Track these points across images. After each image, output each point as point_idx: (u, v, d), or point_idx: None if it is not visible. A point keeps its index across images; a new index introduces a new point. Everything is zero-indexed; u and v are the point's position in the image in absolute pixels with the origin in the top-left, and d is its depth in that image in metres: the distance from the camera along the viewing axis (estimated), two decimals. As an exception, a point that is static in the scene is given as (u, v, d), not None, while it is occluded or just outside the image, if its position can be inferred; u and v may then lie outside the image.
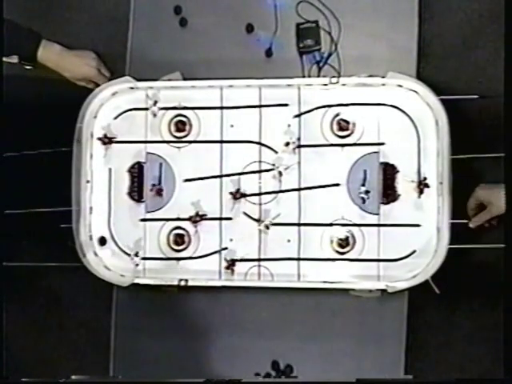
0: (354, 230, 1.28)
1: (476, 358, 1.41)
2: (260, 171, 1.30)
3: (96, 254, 1.32)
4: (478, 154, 1.25)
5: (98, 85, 1.37)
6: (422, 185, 1.25)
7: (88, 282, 1.34)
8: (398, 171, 1.26)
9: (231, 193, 1.30)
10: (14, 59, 1.31)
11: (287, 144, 1.29)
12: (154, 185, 1.33)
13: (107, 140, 1.33)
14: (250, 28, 1.39)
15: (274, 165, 1.30)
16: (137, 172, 1.33)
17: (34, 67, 1.35)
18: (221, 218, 1.31)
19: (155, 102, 1.32)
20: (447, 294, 1.24)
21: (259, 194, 1.30)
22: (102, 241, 1.32)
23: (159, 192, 1.32)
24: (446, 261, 1.21)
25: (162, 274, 1.31)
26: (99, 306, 1.46)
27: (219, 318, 1.38)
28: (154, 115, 1.33)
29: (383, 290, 1.24)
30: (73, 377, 1.23)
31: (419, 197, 1.25)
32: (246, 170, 1.31)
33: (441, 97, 1.24)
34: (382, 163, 1.27)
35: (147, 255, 1.33)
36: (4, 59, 1.30)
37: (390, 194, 1.26)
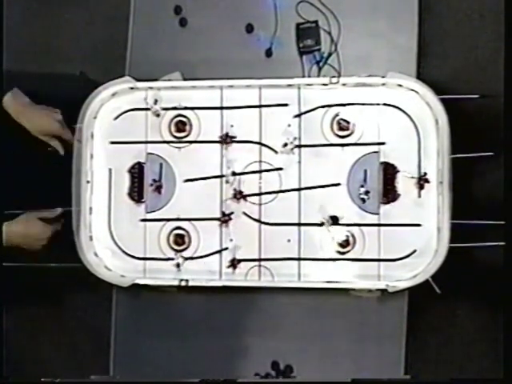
0: (354, 229, 1.27)
1: (476, 358, 1.42)
2: (260, 171, 1.30)
3: (96, 255, 1.32)
4: (477, 153, 1.25)
5: (61, 140, 1.32)
6: (422, 180, 1.25)
7: (88, 282, 1.34)
8: (398, 171, 1.26)
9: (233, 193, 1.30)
10: None
11: (287, 144, 1.29)
12: (154, 180, 1.33)
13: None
14: (249, 28, 1.39)
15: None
16: (137, 172, 1.33)
17: None
18: (221, 219, 1.31)
19: (155, 102, 1.32)
20: (447, 294, 1.23)
21: (259, 194, 1.30)
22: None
23: (159, 189, 1.32)
24: (446, 260, 1.21)
25: (163, 274, 1.31)
26: (99, 306, 1.46)
27: (219, 318, 1.38)
28: (158, 115, 1.32)
29: (383, 290, 1.24)
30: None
31: (419, 196, 1.25)
32: (246, 170, 1.31)
33: (441, 96, 1.25)
34: (382, 163, 1.27)
35: (147, 255, 1.33)
36: None
37: (390, 194, 1.26)
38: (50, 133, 1.31)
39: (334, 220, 1.27)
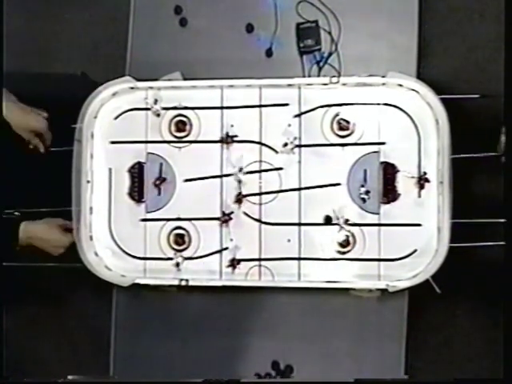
0: (355, 229, 1.27)
1: (476, 358, 1.41)
2: (260, 171, 1.30)
3: (96, 254, 1.32)
4: (478, 153, 1.26)
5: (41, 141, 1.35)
6: (422, 180, 1.25)
7: (88, 282, 1.34)
8: (398, 171, 1.26)
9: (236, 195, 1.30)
10: None
11: (287, 144, 1.29)
12: (158, 178, 1.33)
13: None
14: (249, 28, 1.39)
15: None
16: (137, 172, 1.33)
17: None
18: (221, 218, 1.31)
19: (155, 102, 1.32)
20: (447, 294, 1.23)
21: (259, 194, 1.30)
22: None
23: (162, 184, 1.32)
24: (446, 260, 1.21)
25: (163, 274, 1.31)
26: (99, 306, 1.46)
27: (219, 318, 1.37)
28: (158, 115, 1.33)
29: (383, 290, 1.24)
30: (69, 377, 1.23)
31: (419, 196, 1.25)
32: (246, 170, 1.31)
33: (441, 96, 1.25)
34: (382, 163, 1.27)
35: (147, 255, 1.33)
36: None
37: (390, 194, 1.26)
38: (35, 130, 1.32)
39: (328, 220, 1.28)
